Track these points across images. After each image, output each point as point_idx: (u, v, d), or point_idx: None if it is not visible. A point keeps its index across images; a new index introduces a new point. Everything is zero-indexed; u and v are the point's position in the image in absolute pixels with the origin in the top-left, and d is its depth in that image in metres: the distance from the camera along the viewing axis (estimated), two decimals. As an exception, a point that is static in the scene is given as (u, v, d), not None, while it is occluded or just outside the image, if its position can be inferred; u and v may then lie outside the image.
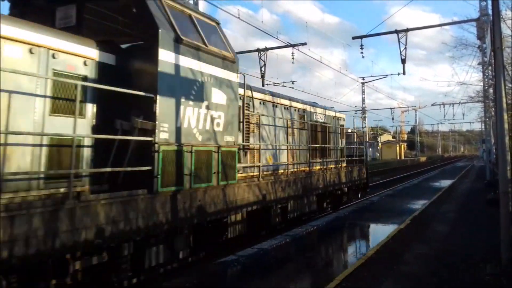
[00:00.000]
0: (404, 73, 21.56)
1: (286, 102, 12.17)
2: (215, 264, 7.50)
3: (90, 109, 6.04)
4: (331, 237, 10.32)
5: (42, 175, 5.23)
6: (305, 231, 10.40)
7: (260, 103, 10.73)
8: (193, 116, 7.02)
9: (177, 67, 6.71)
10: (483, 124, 31.73)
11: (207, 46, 7.51)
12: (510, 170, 6.99)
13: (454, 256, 7.65)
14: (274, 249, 8.61)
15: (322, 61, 24.73)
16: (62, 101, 5.57)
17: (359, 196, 16.95)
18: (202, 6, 24.90)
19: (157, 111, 6.21)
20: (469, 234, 9.83)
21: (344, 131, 16.55)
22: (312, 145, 12.95)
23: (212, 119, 7.53)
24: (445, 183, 25.34)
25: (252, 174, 9.78)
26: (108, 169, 5.73)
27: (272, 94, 11.57)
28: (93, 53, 6.11)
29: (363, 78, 47.52)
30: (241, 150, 9.10)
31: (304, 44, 22.15)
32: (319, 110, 14.41)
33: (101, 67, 6.21)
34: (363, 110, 54.59)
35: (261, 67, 23.56)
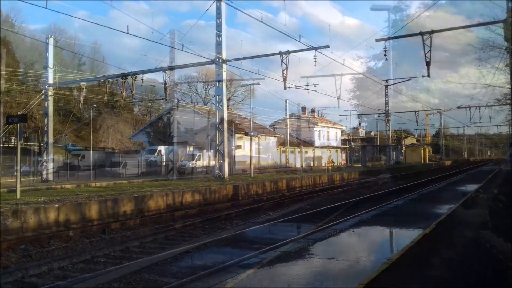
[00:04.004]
0: (429, 76, 21.28)
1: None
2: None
3: None
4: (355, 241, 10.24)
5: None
6: (328, 235, 10.37)
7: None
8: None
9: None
10: (510, 127, 30.92)
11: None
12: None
13: (481, 261, 7.51)
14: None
15: (344, 63, 24.63)
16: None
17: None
18: (224, 10, 25.07)
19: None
20: (497, 239, 9.59)
21: None
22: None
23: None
24: (471, 187, 24.78)
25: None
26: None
27: None
28: None
29: (386, 81, 47.13)
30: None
31: (327, 47, 22.15)
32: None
33: None
34: (387, 113, 54.05)
35: (283, 70, 23.61)
